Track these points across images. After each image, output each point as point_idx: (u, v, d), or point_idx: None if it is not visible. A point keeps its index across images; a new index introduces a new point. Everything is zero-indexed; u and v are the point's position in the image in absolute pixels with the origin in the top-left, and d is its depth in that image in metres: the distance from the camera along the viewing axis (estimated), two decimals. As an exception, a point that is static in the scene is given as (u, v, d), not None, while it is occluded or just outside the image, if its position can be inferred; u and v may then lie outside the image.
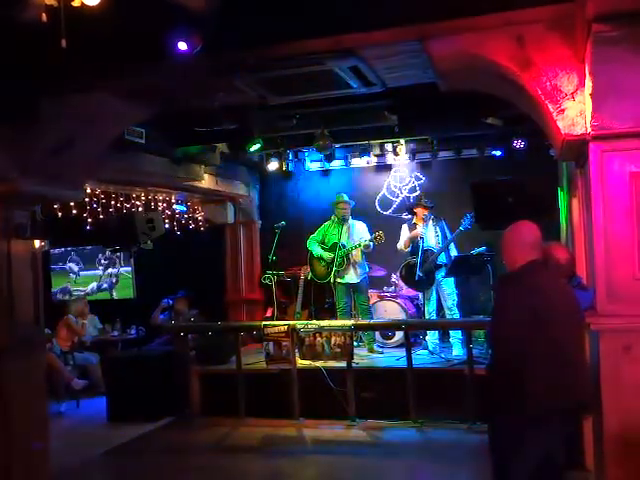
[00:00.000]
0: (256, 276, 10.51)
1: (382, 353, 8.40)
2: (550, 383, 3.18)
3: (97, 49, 4.54)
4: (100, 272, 11.60)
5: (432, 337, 8.18)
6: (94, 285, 11.58)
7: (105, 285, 11.56)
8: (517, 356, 3.19)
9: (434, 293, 8.18)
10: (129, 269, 11.43)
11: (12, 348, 5.18)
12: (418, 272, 8.01)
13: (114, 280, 11.54)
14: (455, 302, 8.11)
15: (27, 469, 5.24)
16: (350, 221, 8.66)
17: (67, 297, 11.44)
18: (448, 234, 8.20)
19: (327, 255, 8.59)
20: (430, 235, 8.26)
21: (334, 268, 8.43)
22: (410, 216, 8.72)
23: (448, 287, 8.12)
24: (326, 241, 8.70)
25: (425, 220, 8.29)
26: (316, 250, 8.75)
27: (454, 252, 8.23)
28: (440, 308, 8.26)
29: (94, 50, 4.51)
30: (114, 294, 11.53)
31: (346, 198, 8.67)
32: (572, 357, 3.30)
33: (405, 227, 8.51)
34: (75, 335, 9.20)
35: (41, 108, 4.97)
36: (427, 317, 8.16)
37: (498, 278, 7.18)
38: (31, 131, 5.00)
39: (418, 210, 8.39)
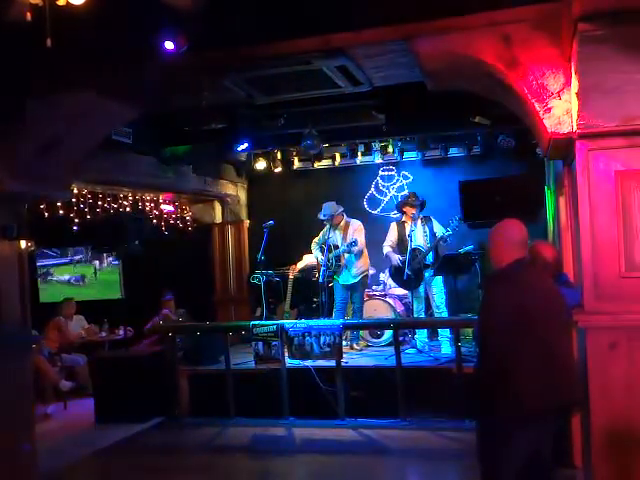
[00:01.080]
0: (244, 276, 10.50)
1: (361, 350, 8.48)
2: (538, 382, 3.18)
3: (83, 49, 4.52)
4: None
5: (421, 336, 8.21)
6: (67, 276, 11.48)
7: (73, 280, 11.45)
8: (505, 355, 3.19)
9: (423, 292, 8.21)
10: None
11: (-1, 349, 5.15)
12: (406, 271, 8.04)
13: (80, 277, 11.46)
14: (443, 301, 8.14)
15: (14, 471, 5.21)
16: (343, 222, 8.67)
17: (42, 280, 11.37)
18: (440, 232, 8.18)
19: (320, 257, 8.67)
20: (419, 234, 8.27)
21: (322, 268, 8.48)
22: (399, 214, 8.75)
23: (436, 286, 8.14)
24: (327, 244, 8.73)
25: (414, 219, 8.31)
26: (314, 252, 8.89)
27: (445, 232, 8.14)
28: (428, 307, 8.28)
29: (81, 50, 4.49)
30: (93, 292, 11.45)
31: (325, 212, 8.61)
32: (560, 355, 3.31)
33: (394, 225, 8.54)
34: (65, 337, 9.14)
35: (27, 108, 4.94)
36: (416, 316, 8.19)
37: (486, 277, 7.22)
38: (17, 131, 4.97)
39: (407, 209, 8.40)
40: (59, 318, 9.26)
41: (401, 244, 8.34)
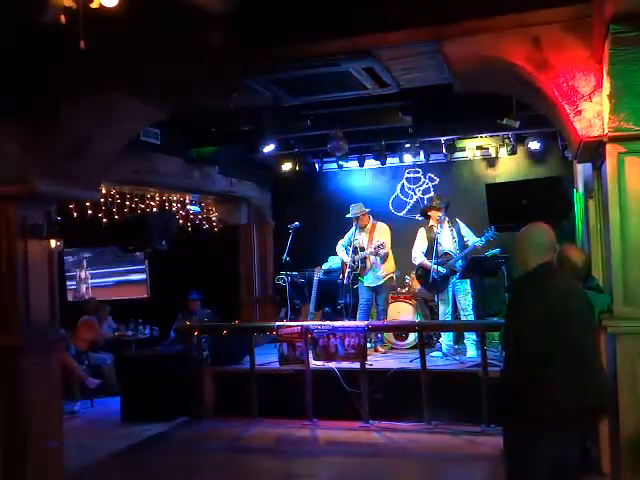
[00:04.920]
0: (269, 276, 10.53)
1: (386, 353, 8.45)
2: (565, 384, 3.15)
3: (114, 50, 4.57)
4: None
5: (446, 339, 8.15)
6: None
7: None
8: (531, 358, 3.17)
9: (450, 295, 8.13)
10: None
11: (28, 347, 5.22)
12: (432, 274, 7.98)
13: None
14: (471, 304, 8.06)
15: (42, 467, 5.28)
16: (370, 225, 8.66)
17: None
18: (469, 235, 8.11)
19: (346, 258, 8.68)
20: (447, 238, 8.18)
21: (347, 270, 8.50)
22: (422, 218, 8.68)
23: (463, 289, 8.07)
24: (352, 246, 8.72)
25: (440, 222, 8.23)
26: (340, 253, 8.87)
27: (473, 239, 8.06)
28: (455, 310, 8.21)
29: (112, 51, 4.54)
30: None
31: (353, 212, 8.61)
32: (587, 359, 3.28)
33: (422, 230, 8.45)
34: (94, 335, 9.23)
35: (59, 109, 5.01)
36: (442, 318, 8.14)
37: (512, 281, 7.15)
38: (49, 131, 5.04)
39: (432, 213, 8.33)
40: (92, 318, 9.36)
41: (430, 248, 8.23)
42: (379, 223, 8.73)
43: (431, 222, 8.34)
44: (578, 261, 4.56)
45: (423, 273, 8.29)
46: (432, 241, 8.15)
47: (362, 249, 8.60)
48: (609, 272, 4.23)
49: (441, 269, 7.97)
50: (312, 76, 5.10)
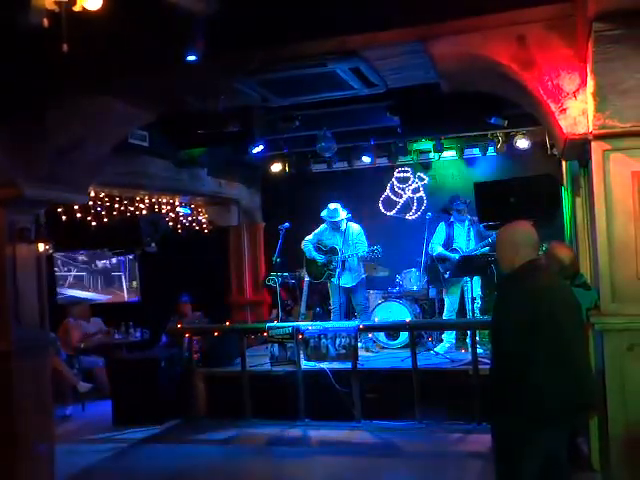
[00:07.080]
0: (260, 278, 10.52)
1: (377, 352, 8.46)
2: (554, 383, 3.16)
3: (101, 53, 4.56)
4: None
5: (449, 337, 8.16)
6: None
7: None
8: (520, 356, 3.18)
9: (458, 291, 8.19)
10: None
11: (18, 351, 5.20)
12: (441, 271, 8.13)
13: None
14: (479, 305, 8.12)
15: (32, 472, 5.26)
16: (344, 225, 8.66)
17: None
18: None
19: (320, 258, 8.68)
20: (462, 236, 8.31)
21: (327, 271, 8.54)
22: (444, 215, 8.71)
23: (475, 289, 8.13)
24: (322, 245, 8.71)
25: (460, 220, 8.33)
26: (310, 253, 8.82)
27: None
28: (461, 308, 8.27)
29: (98, 54, 4.53)
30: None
31: (330, 215, 8.63)
32: (575, 357, 3.29)
33: (442, 225, 8.51)
34: (72, 338, 9.15)
35: (46, 111, 5.00)
36: (447, 313, 8.21)
37: (499, 279, 7.16)
38: (36, 134, 5.02)
39: (452, 210, 8.41)
40: (67, 320, 9.31)
41: (447, 244, 8.34)
42: (351, 223, 8.72)
43: (451, 219, 8.44)
44: (566, 259, 4.60)
45: (433, 267, 8.35)
46: (449, 236, 8.32)
47: (333, 250, 8.59)
48: (596, 269, 4.26)
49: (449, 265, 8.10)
50: (299, 77, 5.09)
